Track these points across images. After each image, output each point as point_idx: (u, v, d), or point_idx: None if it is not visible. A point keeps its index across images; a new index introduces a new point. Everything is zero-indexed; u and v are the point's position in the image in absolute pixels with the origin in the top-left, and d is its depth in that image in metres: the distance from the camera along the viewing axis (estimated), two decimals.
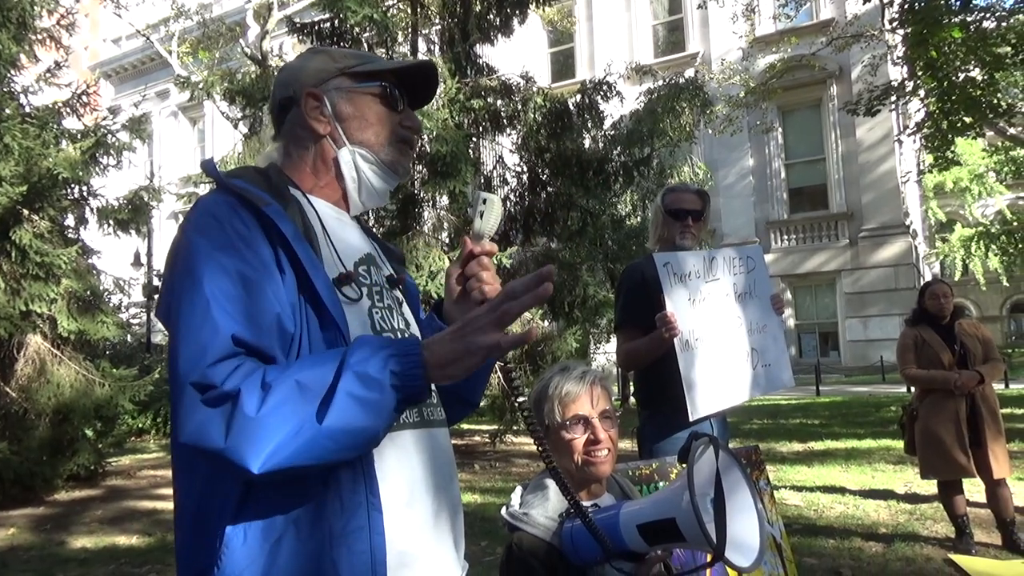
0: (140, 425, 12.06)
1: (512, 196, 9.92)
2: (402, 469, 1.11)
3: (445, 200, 9.14)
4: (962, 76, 10.87)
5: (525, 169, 9.96)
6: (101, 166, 8.14)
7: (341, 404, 0.94)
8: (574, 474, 1.68)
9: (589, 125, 10.06)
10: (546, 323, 9.52)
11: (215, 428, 0.93)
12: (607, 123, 10.52)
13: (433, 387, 1.24)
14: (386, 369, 0.96)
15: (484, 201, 1.22)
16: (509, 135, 9.84)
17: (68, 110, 8.35)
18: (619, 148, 10.59)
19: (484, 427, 10.43)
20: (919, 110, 12.64)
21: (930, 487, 5.30)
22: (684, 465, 1.35)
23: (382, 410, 0.97)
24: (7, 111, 7.40)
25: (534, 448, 1.23)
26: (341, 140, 1.24)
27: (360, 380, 0.95)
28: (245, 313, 1.00)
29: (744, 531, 1.37)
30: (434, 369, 1.00)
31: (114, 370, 8.10)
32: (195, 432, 0.94)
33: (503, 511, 1.67)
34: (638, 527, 1.38)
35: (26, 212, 7.13)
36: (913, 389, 5.03)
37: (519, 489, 1.71)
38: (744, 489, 1.42)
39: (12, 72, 7.92)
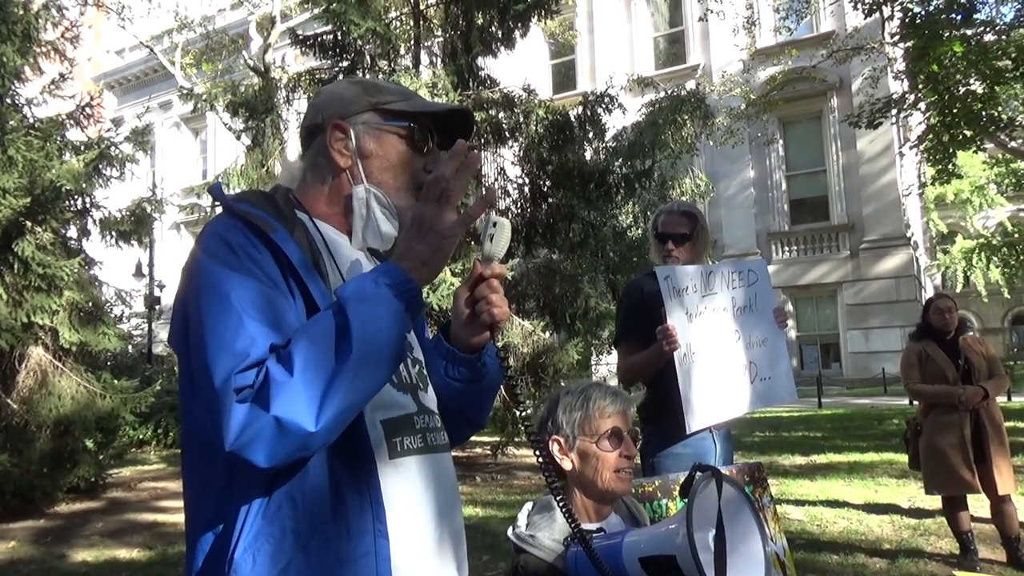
0: (141, 436, 12.04)
1: (514, 208, 9.94)
2: (407, 496, 1.11)
3: None
4: (963, 89, 10.90)
5: (527, 181, 9.98)
6: (104, 178, 8.16)
7: (357, 328, 0.97)
8: (596, 491, 1.67)
9: (591, 137, 10.09)
10: (547, 335, 9.50)
11: (256, 413, 0.94)
12: (608, 135, 10.55)
13: (436, 411, 1.25)
14: (379, 284, 1.02)
15: (494, 224, 1.22)
16: (511, 147, 9.87)
17: (72, 122, 8.39)
18: (620, 160, 10.62)
19: (485, 439, 10.40)
20: (920, 123, 12.65)
21: (934, 502, 5.28)
22: (686, 500, 1.34)
23: (394, 316, 1.01)
24: (11, 123, 7.42)
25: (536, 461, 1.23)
26: (359, 177, 1.22)
27: (363, 301, 0.99)
28: (274, 325, 1.01)
29: (748, 563, 1.36)
30: (419, 270, 1.06)
31: (115, 381, 8.08)
32: (238, 429, 0.94)
33: (510, 531, 1.66)
34: (640, 559, 1.37)
35: (29, 224, 7.14)
36: (917, 403, 5.01)
37: (526, 508, 1.71)
38: (749, 518, 1.40)
39: (16, 84, 7.96)
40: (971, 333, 4.92)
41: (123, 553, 5.69)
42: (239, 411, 0.94)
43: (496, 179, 10.00)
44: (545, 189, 9.82)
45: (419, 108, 1.27)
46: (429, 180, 1.08)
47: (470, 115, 1.32)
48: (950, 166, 12.10)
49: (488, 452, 10.05)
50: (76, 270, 7.36)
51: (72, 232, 8.37)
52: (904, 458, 5.23)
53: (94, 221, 8.42)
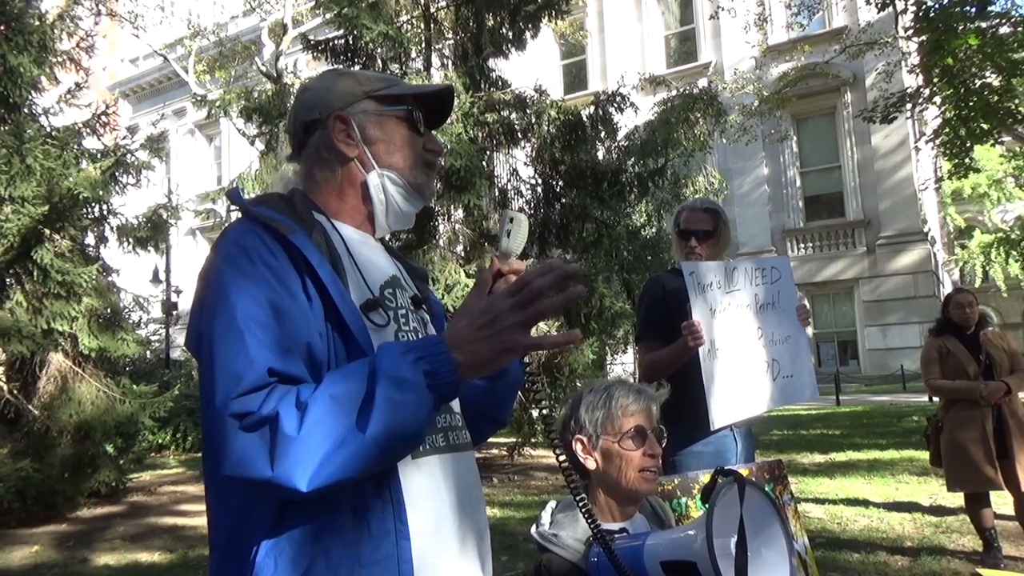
0: (160, 441, 12.12)
1: (527, 208, 9.93)
2: (429, 495, 1.11)
3: (460, 213, 9.17)
4: (979, 82, 10.78)
5: (539, 181, 9.98)
6: (120, 185, 8.25)
7: (381, 410, 0.94)
8: (620, 490, 1.66)
9: (603, 136, 10.07)
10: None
11: (258, 456, 0.93)
12: (621, 134, 10.54)
13: (458, 411, 1.25)
14: (419, 370, 0.97)
15: (511, 220, 1.22)
16: (523, 148, 9.86)
17: (88, 130, 8.47)
18: (633, 159, 10.60)
19: (502, 440, 10.39)
20: (936, 117, 12.52)
21: (956, 499, 5.23)
22: (707, 505, 1.32)
23: (421, 410, 0.97)
24: (29, 132, 7.50)
25: (554, 461, 1.22)
26: (370, 164, 1.24)
27: (396, 384, 0.95)
28: (278, 342, 1.00)
29: (773, 567, 1.34)
30: (467, 366, 0.99)
31: (134, 387, 8.16)
32: (238, 463, 0.94)
33: (533, 530, 1.65)
34: (661, 563, 1.36)
35: (47, 232, 7.22)
36: (937, 400, 4.96)
37: (550, 507, 1.70)
38: (775, 527, 1.38)
39: (34, 94, 8.05)
40: (991, 328, 4.86)
41: (144, 557, 5.74)
42: (239, 441, 0.94)
43: (508, 180, 10.01)
44: (558, 189, 9.81)
45: (410, 91, 1.29)
46: (520, 282, 0.98)
47: (452, 94, 1.36)
48: (967, 160, 11.97)
49: (505, 453, 10.05)
50: (94, 277, 7.43)
51: (90, 239, 8.45)
52: (925, 455, 5.17)
53: (111, 228, 8.52)
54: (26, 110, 7.95)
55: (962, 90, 10.56)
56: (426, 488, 1.11)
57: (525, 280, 0.98)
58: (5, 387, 7.32)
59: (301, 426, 0.93)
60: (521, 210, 9.77)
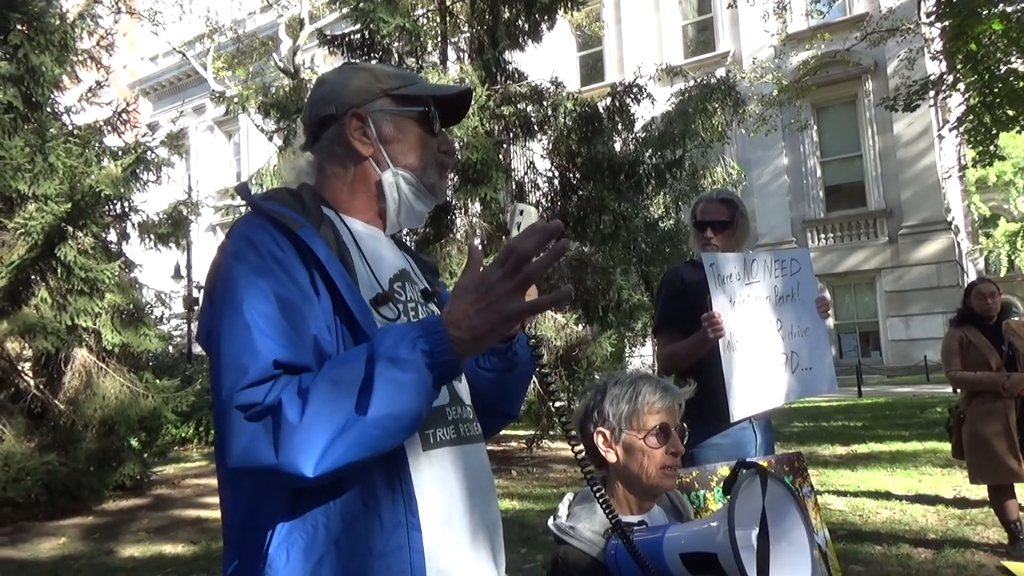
0: (183, 435, 12.24)
1: (544, 201, 9.92)
2: (440, 487, 1.11)
3: (477, 207, 9.18)
4: (1004, 68, 10.60)
5: (556, 174, 9.96)
6: (141, 182, 8.32)
7: (381, 391, 0.95)
8: (640, 485, 1.65)
9: (620, 128, 10.02)
10: (580, 327, 9.48)
11: (263, 445, 0.94)
12: (638, 125, 10.48)
13: (469, 402, 1.25)
14: (416, 349, 0.97)
15: (521, 212, 1.22)
16: (540, 140, 9.85)
17: (109, 128, 8.57)
18: (651, 150, 10.55)
19: (520, 432, 10.42)
20: (960, 104, 12.32)
21: (980, 491, 5.17)
22: (729, 497, 1.31)
23: (421, 389, 0.98)
24: (51, 131, 7.60)
25: (572, 454, 1.22)
26: (385, 163, 1.23)
27: (394, 364, 0.96)
28: (285, 335, 1.01)
29: (793, 563, 1.33)
30: (465, 342, 0.99)
31: (157, 381, 8.25)
32: (243, 453, 0.95)
33: (550, 522, 1.65)
34: (681, 555, 1.36)
35: (71, 229, 7.30)
36: (959, 391, 4.90)
37: (567, 499, 1.70)
38: (795, 518, 1.37)
39: (55, 93, 8.14)
40: (1016, 318, 4.78)
41: (168, 548, 5.82)
42: (245, 431, 0.95)
43: (525, 173, 10.00)
44: (575, 181, 9.79)
45: (428, 92, 1.29)
46: (506, 250, 0.98)
47: (470, 96, 1.35)
48: (992, 147, 11.78)
49: (523, 445, 10.07)
50: (117, 273, 7.52)
51: (112, 236, 8.55)
52: (948, 447, 5.11)
53: (133, 225, 8.61)
54: (48, 109, 8.05)
55: (986, 76, 10.38)
56: (437, 480, 1.11)
57: (511, 247, 0.98)
58: (31, 382, 7.45)
59: (303, 413, 0.94)
60: (538, 203, 9.78)
